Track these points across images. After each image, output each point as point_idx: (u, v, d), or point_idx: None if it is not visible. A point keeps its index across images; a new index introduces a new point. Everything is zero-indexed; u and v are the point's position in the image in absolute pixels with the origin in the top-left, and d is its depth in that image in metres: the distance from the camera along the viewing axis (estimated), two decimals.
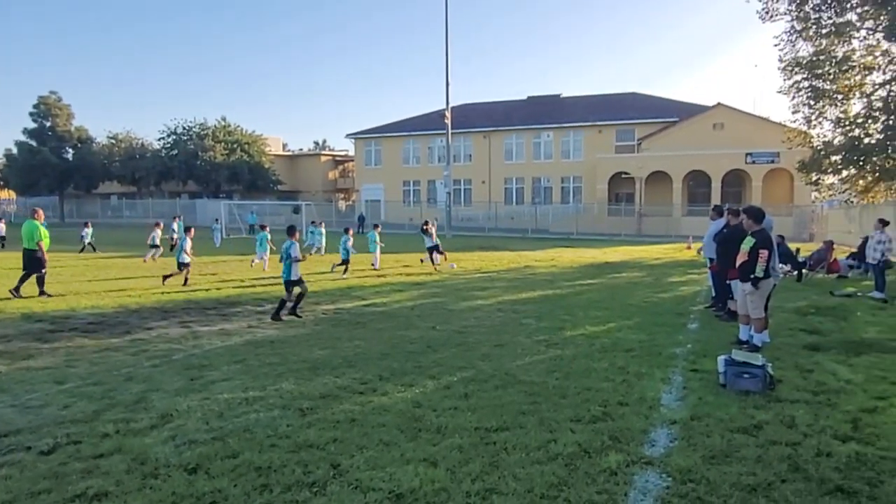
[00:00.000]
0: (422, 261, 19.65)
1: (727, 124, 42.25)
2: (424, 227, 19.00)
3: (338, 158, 69.14)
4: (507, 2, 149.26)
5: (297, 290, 10.04)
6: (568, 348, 7.80)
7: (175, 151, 55.71)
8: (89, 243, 23.80)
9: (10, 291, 12.06)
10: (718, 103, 43.10)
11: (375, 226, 19.59)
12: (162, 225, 22.57)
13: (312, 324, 9.67)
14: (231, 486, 4.03)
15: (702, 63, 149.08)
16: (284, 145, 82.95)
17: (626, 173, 42.40)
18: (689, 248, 27.90)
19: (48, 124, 56.87)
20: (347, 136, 55.74)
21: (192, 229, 15.26)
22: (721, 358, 6.25)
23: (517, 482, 4.04)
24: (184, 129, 57.66)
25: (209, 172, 54.51)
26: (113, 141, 60.00)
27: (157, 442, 4.73)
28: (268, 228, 16.02)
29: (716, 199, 38.51)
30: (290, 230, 10.06)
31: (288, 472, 4.21)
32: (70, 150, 58.23)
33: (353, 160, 61.30)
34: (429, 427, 4.97)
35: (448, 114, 36.48)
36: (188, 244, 14.62)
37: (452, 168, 40.31)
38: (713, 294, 10.83)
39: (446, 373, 6.62)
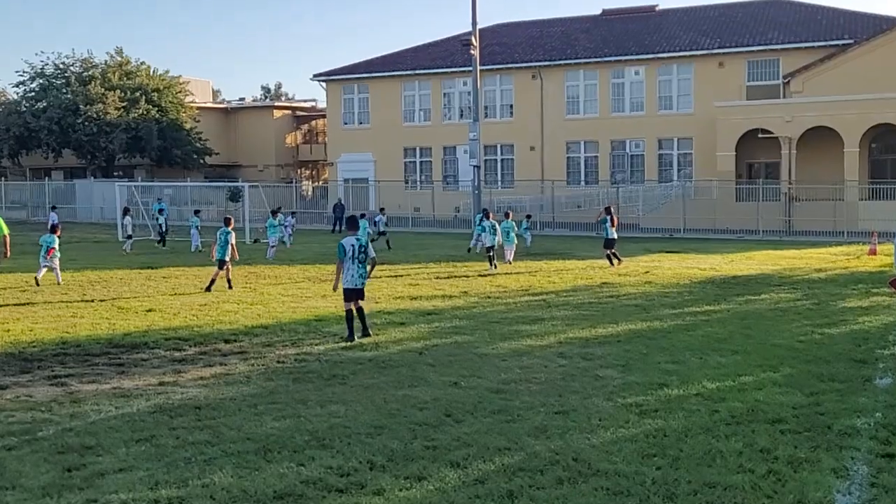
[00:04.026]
0: (613, 257, 23.67)
1: None
2: (608, 212, 24.09)
3: (301, 113, 69.56)
4: None
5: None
6: (675, 417, 7.76)
7: (42, 104, 56.33)
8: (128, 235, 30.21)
9: None
10: None
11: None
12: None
13: (262, 378, 9.65)
14: None
15: None
16: (216, 93, 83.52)
17: (765, 132, 42.06)
18: (873, 252, 27.58)
19: None
20: (315, 77, 56.10)
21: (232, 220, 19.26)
22: None
23: None
24: (56, 67, 58.24)
25: (96, 137, 55.09)
26: None
27: None
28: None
29: None
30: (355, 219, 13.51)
31: None
32: None
33: (323, 115, 61.58)
34: None
35: (475, 40, 36.54)
36: (233, 237, 18.49)
37: (483, 127, 40.31)
38: None
39: (477, 457, 6.60)
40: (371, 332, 12.40)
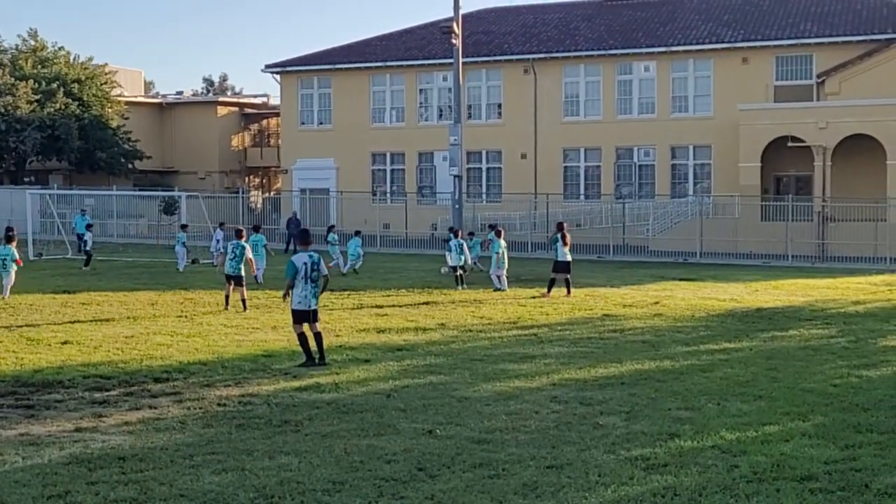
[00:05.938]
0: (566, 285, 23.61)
1: None
2: (560, 229, 24.26)
3: (250, 110, 69.40)
4: None
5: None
6: (687, 473, 7.76)
7: None
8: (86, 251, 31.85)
9: None
10: None
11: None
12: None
13: (199, 423, 9.60)
14: None
15: None
16: (149, 85, 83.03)
17: (796, 140, 42.35)
18: None
19: None
20: (267, 68, 56.05)
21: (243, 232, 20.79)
22: None
23: None
24: None
25: (4, 136, 54.66)
26: None
27: None
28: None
29: None
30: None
31: None
32: None
33: (277, 114, 61.50)
34: None
35: (457, 27, 36.63)
36: (249, 251, 20.00)
37: (465, 130, 40.34)
38: None
39: None
40: (327, 361, 13.18)
